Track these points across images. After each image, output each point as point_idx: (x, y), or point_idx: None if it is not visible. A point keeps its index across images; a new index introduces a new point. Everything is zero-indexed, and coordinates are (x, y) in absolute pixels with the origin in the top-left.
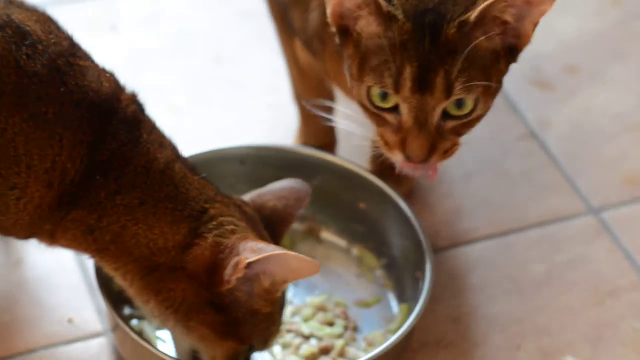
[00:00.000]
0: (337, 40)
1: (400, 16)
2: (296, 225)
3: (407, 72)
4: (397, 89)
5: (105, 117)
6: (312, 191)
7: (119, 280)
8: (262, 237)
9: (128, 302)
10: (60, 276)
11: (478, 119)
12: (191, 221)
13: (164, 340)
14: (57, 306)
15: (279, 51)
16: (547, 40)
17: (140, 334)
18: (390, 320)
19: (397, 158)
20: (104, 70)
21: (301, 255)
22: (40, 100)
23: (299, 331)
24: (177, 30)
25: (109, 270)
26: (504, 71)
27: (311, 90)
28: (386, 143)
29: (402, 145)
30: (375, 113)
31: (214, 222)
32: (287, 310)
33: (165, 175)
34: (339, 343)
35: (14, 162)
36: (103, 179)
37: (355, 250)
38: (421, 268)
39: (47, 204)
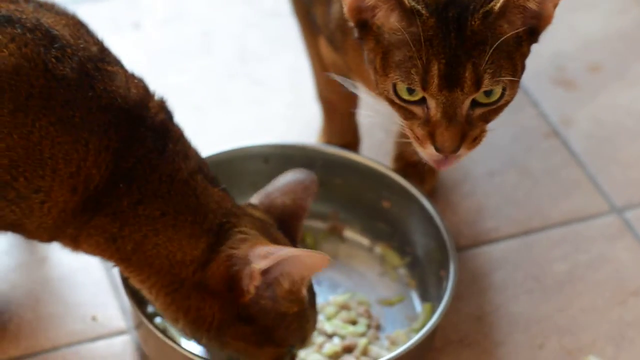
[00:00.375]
0: (355, 34)
1: (424, 11)
2: (319, 224)
3: (435, 69)
4: (424, 86)
5: (132, 124)
6: (335, 190)
7: (146, 294)
8: (274, 240)
9: None
10: (84, 274)
11: (506, 104)
12: (210, 236)
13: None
14: (81, 304)
15: (302, 50)
16: (570, 39)
17: (164, 331)
18: (414, 319)
19: (428, 151)
20: (132, 76)
21: (308, 250)
22: (67, 104)
23: (322, 330)
24: (201, 28)
25: (135, 282)
26: (526, 54)
27: (334, 89)
28: (416, 137)
29: (432, 138)
30: (402, 106)
31: (228, 236)
32: None
33: (189, 187)
34: (362, 342)
35: (39, 166)
36: (127, 187)
37: (379, 249)
38: (445, 267)
39: (71, 209)
